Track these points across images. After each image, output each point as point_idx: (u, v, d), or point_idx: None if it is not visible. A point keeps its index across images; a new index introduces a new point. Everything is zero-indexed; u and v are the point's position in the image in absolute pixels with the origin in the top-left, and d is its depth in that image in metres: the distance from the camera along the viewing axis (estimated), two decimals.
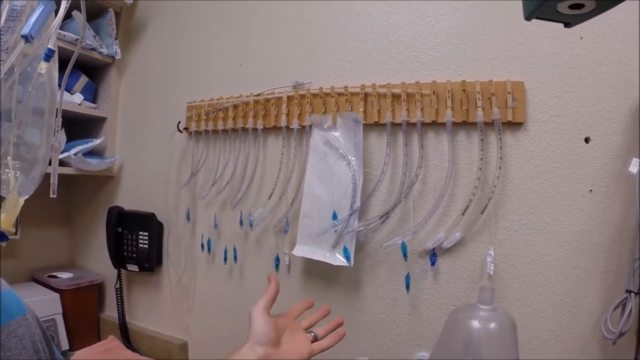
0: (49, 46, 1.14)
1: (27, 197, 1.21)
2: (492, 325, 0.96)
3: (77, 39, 1.66)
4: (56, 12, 1.13)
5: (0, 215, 1.16)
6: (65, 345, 1.81)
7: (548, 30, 1.15)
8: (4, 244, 1.16)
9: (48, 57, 1.12)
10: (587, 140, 1.13)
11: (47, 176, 1.28)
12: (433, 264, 1.25)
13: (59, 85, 1.28)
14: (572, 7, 0.52)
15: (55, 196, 1.30)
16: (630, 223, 1.08)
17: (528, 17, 0.56)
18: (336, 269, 1.34)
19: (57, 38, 1.60)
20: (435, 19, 1.30)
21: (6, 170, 1.17)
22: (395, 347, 1.33)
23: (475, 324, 0.96)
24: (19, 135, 1.18)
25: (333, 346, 0.98)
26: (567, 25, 0.57)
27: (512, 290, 1.18)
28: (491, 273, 1.17)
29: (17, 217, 1.15)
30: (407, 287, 1.28)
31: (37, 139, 1.22)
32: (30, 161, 1.21)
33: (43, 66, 1.13)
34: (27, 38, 1.01)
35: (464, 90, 1.20)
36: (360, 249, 1.35)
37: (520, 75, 1.18)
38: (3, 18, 1.05)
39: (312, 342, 0.96)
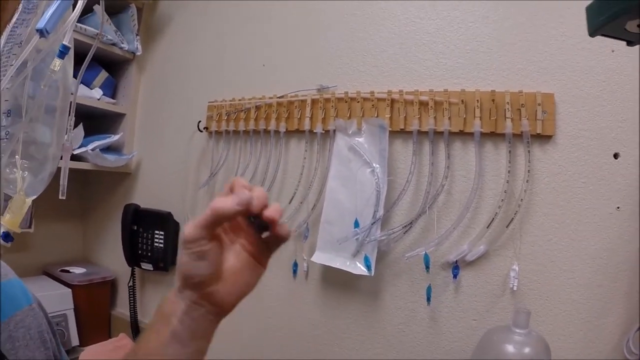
0: (64, 42, 1.12)
1: (34, 197, 1.19)
2: (527, 350, 0.94)
3: (97, 34, 1.65)
4: (74, 6, 1.10)
5: (5, 215, 1.15)
6: (75, 341, 1.81)
7: (579, 42, 1.13)
8: (8, 244, 1.15)
9: (63, 54, 1.10)
10: (616, 156, 1.10)
11: (59, 171, 1.28)
12: (455, 276, 1.23)
13: (75, 78, 1.27)
14: None
15: (64, 198, 1.29)
16: None
17: (593, 34, 0.54)
18: (355, 278, 1.32)
19: (78, 32, 1.62)
20: (464, 26, 1.28)
21: (14, 169, 1.15)
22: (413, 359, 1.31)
23: (510, 348, 0.94)
24: (28, 133, 1.17)
25: (287, 235, 0.64)
26: (630, 43, 0.55)
27: (534, 307, 1.16)
28: (514, 288, 1.15)
29: (32, 211, 1.14)
30: (428, 299, 1.26)
31: (48, 137, 1.21)
32: (39, 161, 1.19)
33: (57, 63, 1.11)
34: (42, 32, 0.98)
35: (493, 100, 1.18)
36: (381, 259, 1.33)
37: (550, 87, 1.16)
38: (18, 11, 1.02)
39: (259, 238, 0.64)
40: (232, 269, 0.61)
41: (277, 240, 0.63)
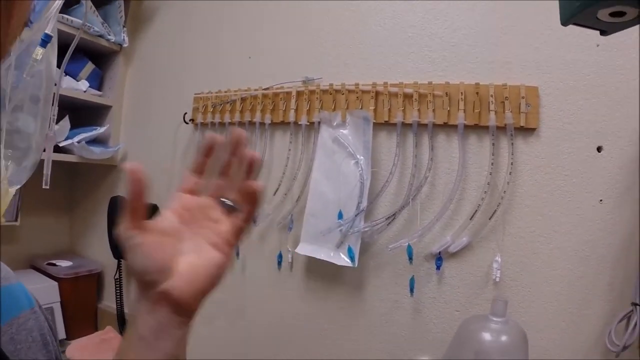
0: (46, 31, 1.12)
1: (18, 186, 1.19)
2: (504, 338, 0.95)
3: (82, 24, 1.65)
4: None
5: None
6: (62, 334, 1.81)
7: (564, 36, 1.13)
8: None
9: (45, 43, 1.10)
10: (599, 149, 1.11)
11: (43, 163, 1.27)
12: (438, 268, 1.23)
13: (59, 68, 1.26)
14: (612, 14, 0.50)
15: (48, 187, 1.28)
16: (638, 235, 1.06)
17: (565, 23, 0.54)
18: (339, 269, 1.32)
19: (64, 23, 1.60)
20: (450, 19, 1.28)
21: None
22: (396, 350, 1.32)
23: (487, 336, 0.95)
24: (11, 122, 1.16)
25: (254, 214, 0.62)
26: (604, 33, 0.55)
27: (517, 298, 1.17)
28: (497, 280, 1.16)
29: (18, 203, 1.14)
30: (411, 290, 1.26)
31: (31, 126, 1.20)
32: (23, 150, 1.19)
33: (39, 52, 1.10)
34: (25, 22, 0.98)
35: (477, 93, 1.19)
36: (364, 250, 1.33)
37: (534, 80, 1.16)
38: None
39: (225, 224, 0.60)
40: (191, 263, 0.55)
41: (247, 218, 0.60)
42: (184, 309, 0.55)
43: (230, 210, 0.60)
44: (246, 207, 0.59)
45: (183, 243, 0.56)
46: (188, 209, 0.59)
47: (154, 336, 0.53)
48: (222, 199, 0.60)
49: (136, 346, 0.53)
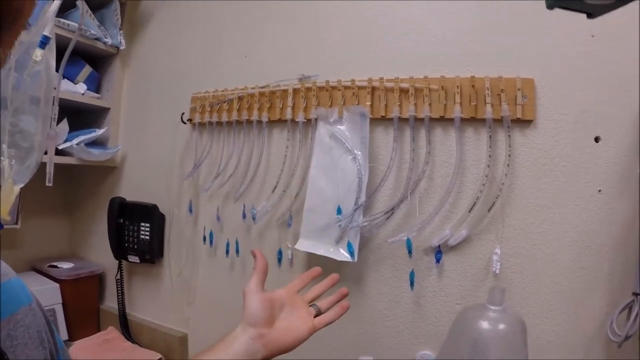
0: (44, 33, 1.12)
1: (22, 185, 1.20)
2: (502, 326, 0.95)
3: (78, 26, 1.65)
4: None
5: None
6: (64, 336, 1.81)
7: (559, 26, 1.14)
8: None
9: (43, 44, 1.10)
10: (597, 139, 1.11)
11: (45, 165, 1.27)
12: (438, 261, 1.23)
13: (57, 72, 1.27)
14: None
15: (51, 184, 1.29)
16: (638, 225, 1.06)
17: (550, 6, 0.54)
18: (339, 265, 1.32)
19: (60, 27, 1.61)
20: (444, 14, 1.29)
21: (1, 158, 1.16)
22: (397, 344, 1.32)
23: (485, 324, 0.95)
24: (14, 122, 1.17)
25: (337, 320, 0.94)
26: (590, 16, 0.55)
27: (517, 290, 1.17)
28: (497, 272, 1.16)
29: (18, 206, 1.15)
30: (412, 284, 1.26)
31: (33, 126, 1.21)
32: (25, 149, 1.20)
33: (38, 53, 1.11)
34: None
35: (472, 86, 1.19)
36: (364, 245, 1.33)
37: (530, 72, 1.16)
38: None
39: (315, 316, 0.92)
40: (288, 324, 0.87)
41: (332, 321, 0.94)
42: (270, 352, 0.83)
43: (317, 313, 0.93)
44: (335, 314, 0.95)
45: (283, 311, 0.89)
46: (291, 296, 0.93)
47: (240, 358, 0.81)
48: (312, 304, 0.95)
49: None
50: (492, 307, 0.97)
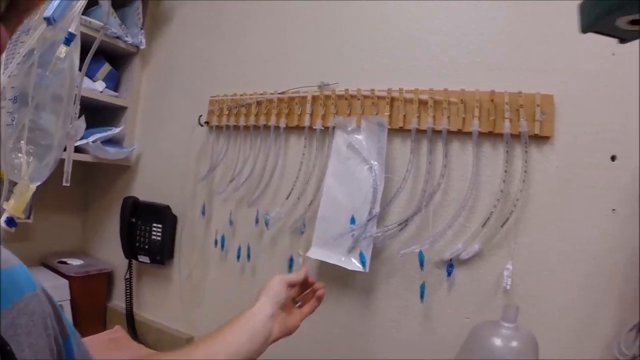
0: (70, 30, 1.13)
1: (39, 183, 1.20)
2: (514, 344, 0.94)
3: (102, 25, 1.67)
4: None
5: (10, 201, 1.16)
6: None
7: (580, 44, 1.13)
8: (12, 230, 1.16)
9: (68, 41, 1.11)
10: (613, 158, 1.11)
11: (63, 162, 1.28)
12: (449, 274, 1.23)
13: (80, 71, 1.28)
14: (631, 22, 0.51)
15: (68, 184, 1.29)
16: None
17: (585, 31, 0.54)
18: (350, 274, 1.32)
19: (83, 25, 1.62)
20: (467, 26, 1.29)
21: (19, 154, 1.16)
22: (405, 356, 1.31)
23: (498, 341, 0.94)
24: (34, 119, 1.17)
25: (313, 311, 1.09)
26: (623, 41, 0.55)
27: (527, 307, 1.16)
28: (508, 287, 1.15)
29: (31, 201, 1.15)
30: (422, 296, 1.26)
31: (53, 124, 1.22)
32: (44, 147, 1.20)
33: (63, 50, 1.12)
34: (49, 21, 0.99)
35: (492, 100, 1.18)
36: (376, 255, 1.33)
37: (549, 89, 1.16)
38: None
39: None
40: (289, 312, 1.04)
41: (311, 311, 1.09)
42: (278, 333, 0.97)
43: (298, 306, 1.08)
44: (312, 305, 1.09)
45: (292, 307, 1.07)
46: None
47: (267, 333, 0.94)
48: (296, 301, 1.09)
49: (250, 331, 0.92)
50: (506, 324, 0.96)
